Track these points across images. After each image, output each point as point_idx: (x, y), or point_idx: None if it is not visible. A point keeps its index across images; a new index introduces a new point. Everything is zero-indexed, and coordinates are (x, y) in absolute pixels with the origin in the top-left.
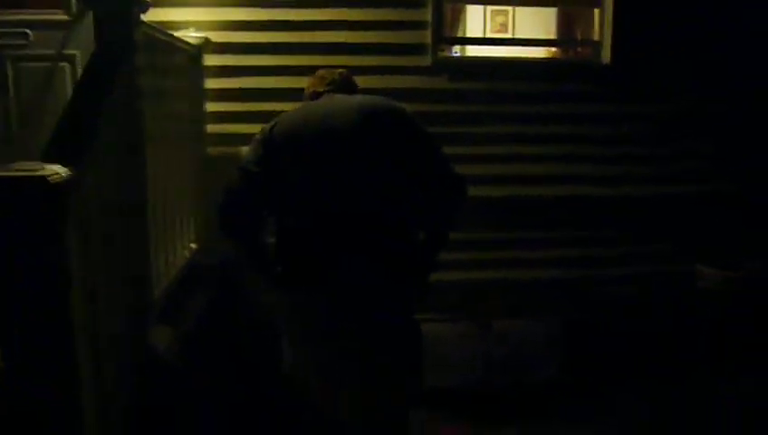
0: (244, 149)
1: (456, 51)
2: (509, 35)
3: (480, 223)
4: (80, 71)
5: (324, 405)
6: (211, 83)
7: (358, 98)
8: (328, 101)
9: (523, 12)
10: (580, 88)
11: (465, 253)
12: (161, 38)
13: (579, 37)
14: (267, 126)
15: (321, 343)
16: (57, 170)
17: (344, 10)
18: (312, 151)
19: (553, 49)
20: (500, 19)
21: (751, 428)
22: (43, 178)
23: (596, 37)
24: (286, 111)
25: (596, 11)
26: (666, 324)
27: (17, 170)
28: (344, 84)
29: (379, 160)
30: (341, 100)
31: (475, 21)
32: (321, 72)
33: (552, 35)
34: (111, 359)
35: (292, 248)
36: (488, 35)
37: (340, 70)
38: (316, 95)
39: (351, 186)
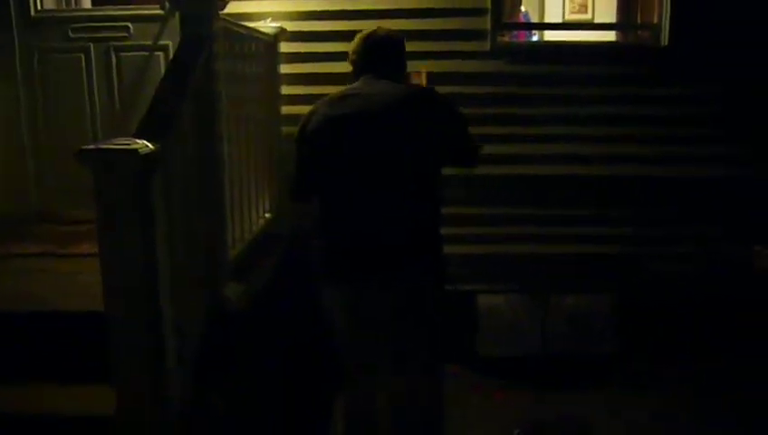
0: None
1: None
2: (588, 16)
3: (536, 200)
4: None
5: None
6: (285, 69)
7: (391, 88)
8: (364, 87)
9: None
10: (639, 70)
11: (520, 227)
12: (237, 30)
13: (638, 21)
14: (303, 120)
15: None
16: (145, 144)
17: None
18: (348, 140)
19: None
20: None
21: None
22: (135, 150)
23: (655, 20)
24: (321, 102)
25: None
26: (720, 302)
27: (116, 144)
28: (381, 53)
29: (412, 145)
30: (377, 90)
31: (555, 2)
32: (361, 35)
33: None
34: (190, 305)
35: (329, 237)
36: (567, 17)
37: (381, 32)
38: (357, 69)
39: (384, 166)
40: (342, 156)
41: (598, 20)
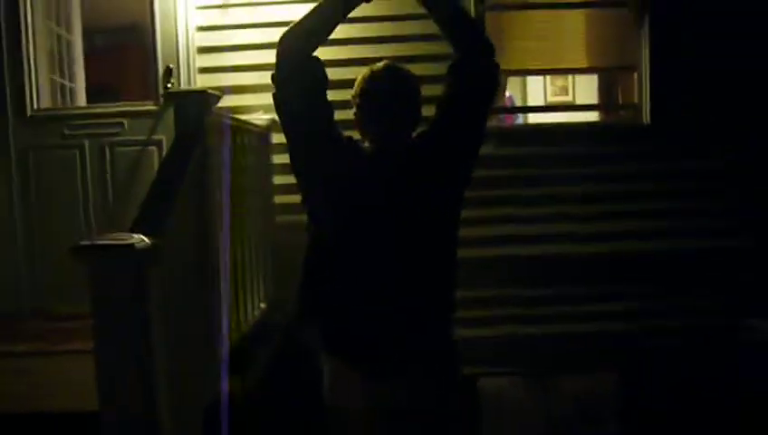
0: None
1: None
2: (569, 98)
3: (529, 280)
4: (165, 153)
5: None
6: (278, 159)
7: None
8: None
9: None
10: (624, 149)
11: (516, 308)
12: (230, 123)
13: (620, 101)
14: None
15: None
16: (141, 238)
17: None
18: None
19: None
20: (560, 83)
21: None
22: (131, 245)
23: (636, 100)
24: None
25: (635, 75)
26: (717, 374)
27: (112, 240)
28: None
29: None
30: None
31: (537, 86)
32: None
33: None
34: (188, 400)
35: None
36: (549, 99)
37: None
38: None
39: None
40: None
41: (578, 101)
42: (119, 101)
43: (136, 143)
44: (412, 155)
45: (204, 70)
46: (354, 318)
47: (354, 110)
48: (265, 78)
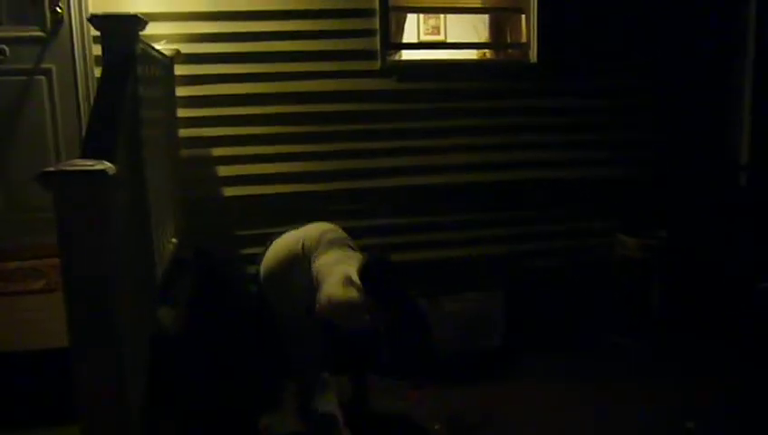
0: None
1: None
2: (441, 37)
3: (423, 208)
4: (56, 83)
5: None
6: (181, 91)
7: None
8: None
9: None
10: (512, 85)
11: (410, 235)
12: (151, 52)
13: (508, 40)
14: None
15: None
16: (107, 165)
17: (301, 21)
18: None
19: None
20: (432, 22)
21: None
22: (103, 171)
23: (523, 39)
24: None
25: (522, 16)
26: (591, 289)
27: (78, 165)
28: None
29: None
30: None
31: (409, 25)
32: None
33: (480, 38)
34: (135, 330)
35: None
36: (422, 38)
37: None
38: None
39: None
40: None
41: (450, 40)
42: None
43: (20, 72)
44: None
45: None
46: None
47: None
48: (170, 5)
